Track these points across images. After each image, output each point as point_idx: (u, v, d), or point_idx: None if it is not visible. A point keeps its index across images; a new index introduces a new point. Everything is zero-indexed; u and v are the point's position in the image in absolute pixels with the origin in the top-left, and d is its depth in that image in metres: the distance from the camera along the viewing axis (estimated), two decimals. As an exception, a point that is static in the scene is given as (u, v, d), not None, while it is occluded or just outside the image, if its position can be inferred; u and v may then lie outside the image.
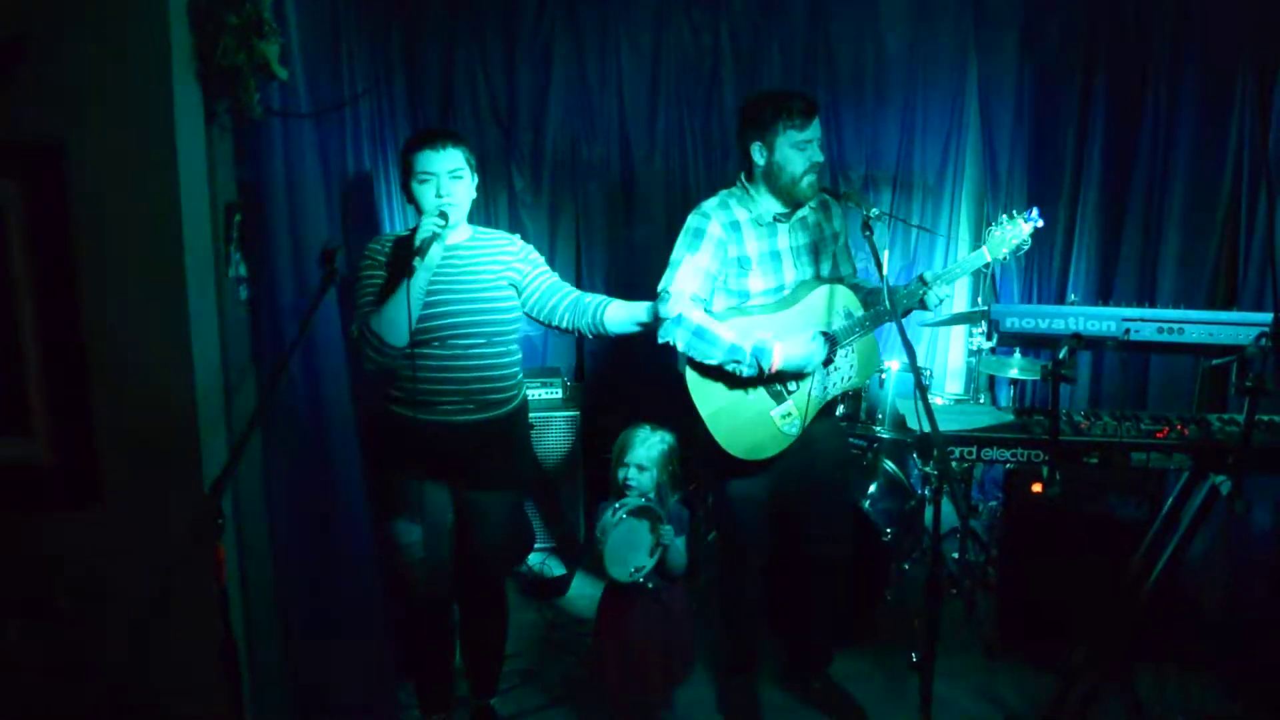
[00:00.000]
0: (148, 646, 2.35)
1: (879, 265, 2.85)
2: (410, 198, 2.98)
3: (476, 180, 3.07)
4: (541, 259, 3.19)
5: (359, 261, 2.99)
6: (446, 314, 2.92)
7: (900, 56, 5.16)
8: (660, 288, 3.14)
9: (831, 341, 3.16)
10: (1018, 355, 4.36)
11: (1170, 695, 3.42)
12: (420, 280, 2.81)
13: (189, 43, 2.24)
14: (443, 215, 2.85)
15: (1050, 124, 4.94)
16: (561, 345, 5.40)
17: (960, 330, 5.29)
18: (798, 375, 3.15)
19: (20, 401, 2.33)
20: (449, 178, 2.93)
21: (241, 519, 2.47)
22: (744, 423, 3.15)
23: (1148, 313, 2.82)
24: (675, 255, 3.17)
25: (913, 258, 5.28)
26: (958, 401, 4.72)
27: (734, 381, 3.13)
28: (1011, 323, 2.89)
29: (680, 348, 3.09)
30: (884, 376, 4.38)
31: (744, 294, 3.19)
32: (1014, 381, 4.74)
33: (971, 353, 4.53)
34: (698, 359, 3.08)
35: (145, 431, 2.32)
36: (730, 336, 3.04)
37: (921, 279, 3.14)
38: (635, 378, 5.45)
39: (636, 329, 3.18)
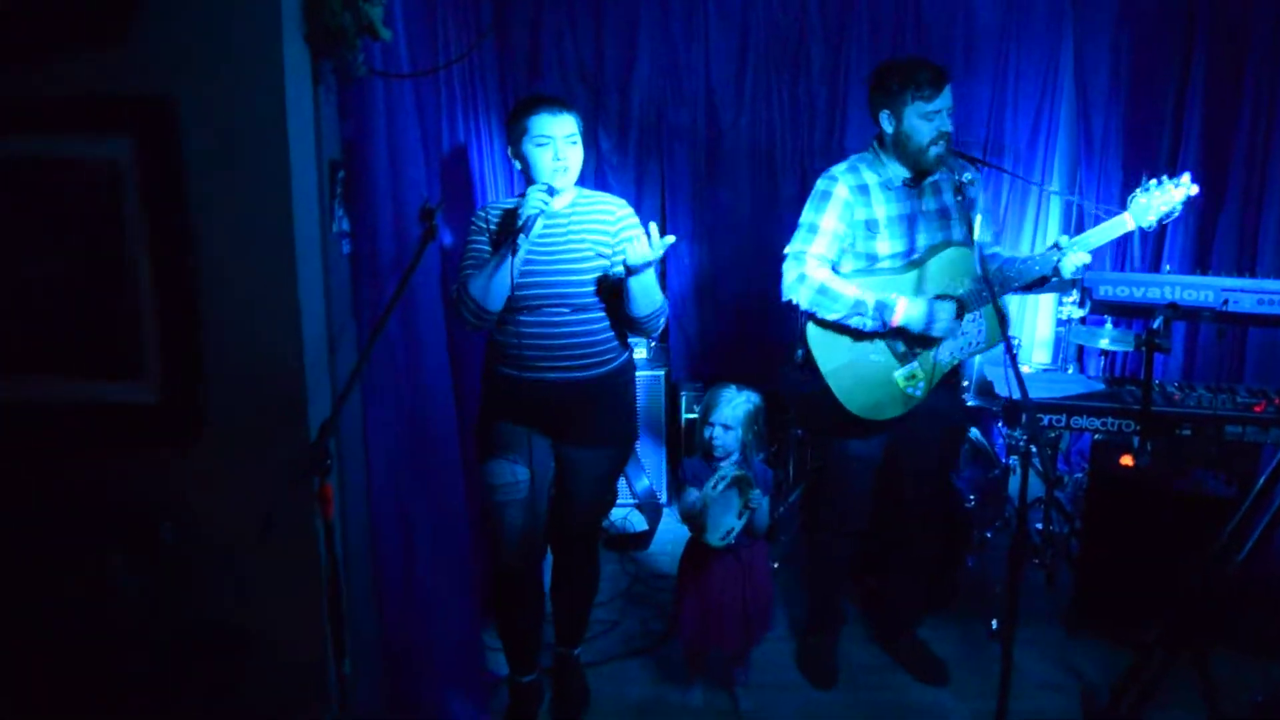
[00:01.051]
0: (251, 581, 2.45)
1: (969, 231, 2.83)
2: (522, 160, 2.95)
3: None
4: (638, 230, 3.03)
5: (467, 225, 3.02)
6: (535, 284, 2.92)
7: (992, 17, 5.08)
8: (786, 250, 3.22)
9: (959, 305, 3.16)
10: (1109, 326, 4.27)
11: (1246, 680, 3.36)
12: (522, 253, 2.83)
13: (297, 3, 2.30)
14: (549, 191, 2.84)
15: (1147, 88, 4.82)
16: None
17: (1049, 300, 5.21)
18: (922, 338, 3.17)
19: (134, 347, 2.43)
20: (566, 143, 2.91)
21: (343, 465, 2.55)
22: (865, 381, 3.20)
23: (1248, 283, 2.77)
24: (803, 218, 3.24)
25: (1001, 226, 5.21)
26: (1046, 371, 4.65)
27: (858, 339, 3.18)
28: (1106, 290, 2.86)
29: (804, 305, 3.16)
30: (1018, 344, 4.35)
31: (872, 256, 3.22)
32: (1104, 353, 4.66)
33: (1061, 322, 4.45)
34: (821, 315, 3.15)
35: (253, 377, 2.40)
36: (854, 293, 3.11)
37: (1057, 245, 3.09)
38: (719, 339, 5.49)
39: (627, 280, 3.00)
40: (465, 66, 4.30)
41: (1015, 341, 4.52)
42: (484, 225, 3.01)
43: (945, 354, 3.23)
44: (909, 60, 3.20)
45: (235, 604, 2.48)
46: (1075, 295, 4.05)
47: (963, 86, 5.11)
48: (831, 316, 3.13)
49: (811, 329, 3.22)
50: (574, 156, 2.95)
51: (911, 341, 3.18)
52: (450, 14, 3.60)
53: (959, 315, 3.18)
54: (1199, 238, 4.61)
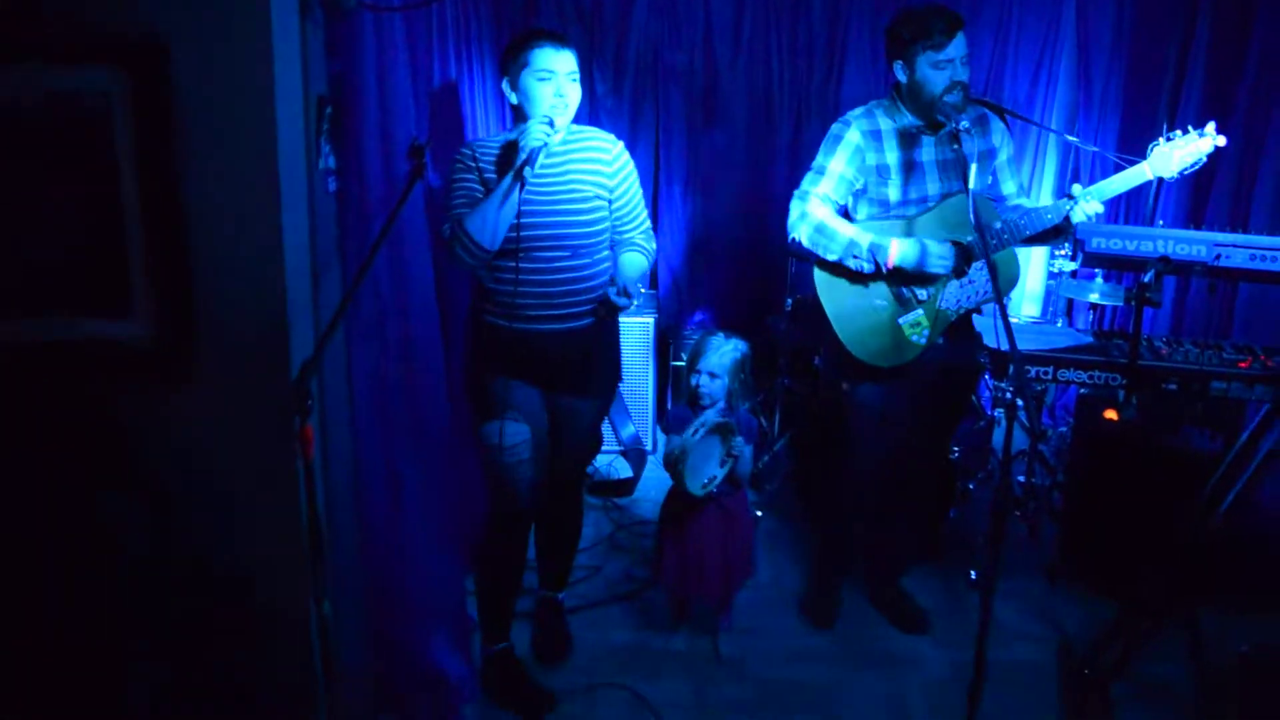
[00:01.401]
0: (235, 521, 2.45)
1: (965, 180, 2.80)
2: (520, 94, 2.85)
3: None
4: (633, 175, 3.07)
5: (451, 164, 2.91)
6: (534, 225, 2.84)
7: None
8: (797, 189, 3.26)
9: (964, 252, 3.16)
10: (1099, 280, 4.27)
11: (1232, 632, 3.40)
12: (520, 189, 2.75)
13: (285, -67, 2.26)
14: (549, 124, 2.75)
15: (1150, 40, 4.76)
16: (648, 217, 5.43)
17: (1040, 253, 5.19)
18: (922, 278, 3.17)
19: (124, 283, 2.41)
20: (567, 79, 2.82)
21: (325, 405, 2.55)
22: (870, 326, 3.22)
23: (1240, 238, 2.75)
24: (815, 160, 3.26)
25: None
26: (1035, 323, 4.65)
27: (860, 283, 3.20)
28: (1098, 243, 2.84)
29: (805, 243, 3.21)
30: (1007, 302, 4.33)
31: (884, 202, 3.24)
32: (1094, 307, 4.65)
33: (1052, 275, 4.44)
34: (819, 254, 3.19)
35: (238, 315, 2.39)
36: (850, 232, 3.14)
37: (1070, 194, 3.07)
38: (710, 285, 5.48)
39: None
40: (459, 3, 4.24)
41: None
42: (471, 163, 2.89)
43: (950, 301, 3.22)
44: (922, 9, 3.14)
45: (220, 544, 2.48)
46: (1067, 249, 4.04)
47: (966, 32, 5.05)
48: (829, 256, 3.18)
49: (818, 273, 3.25)
50: (574, 94, 2.86)
51: (912, 282, 3.19)
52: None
53: (965, 262, 3.18)
54: (1193, 193, 4.57)
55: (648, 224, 3.14)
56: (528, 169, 2.70)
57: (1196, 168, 2.95)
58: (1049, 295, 4.61)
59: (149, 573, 2.48)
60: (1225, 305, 4.35)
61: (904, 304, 3.22)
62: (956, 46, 3.07)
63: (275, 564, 2.48)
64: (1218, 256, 2.74)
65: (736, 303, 5.46)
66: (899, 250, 3.10)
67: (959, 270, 3.19)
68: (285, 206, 2.36)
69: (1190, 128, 2.94)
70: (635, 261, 3.04)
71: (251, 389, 2.40)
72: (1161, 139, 2.96)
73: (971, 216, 2.72)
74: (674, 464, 3.10)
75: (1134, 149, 4.72)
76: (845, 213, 3.30)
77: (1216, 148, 2.92)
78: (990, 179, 3.32)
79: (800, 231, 3.20)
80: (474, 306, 3.03)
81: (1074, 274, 4.30)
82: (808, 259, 3.28)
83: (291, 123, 2.38)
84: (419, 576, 2.94)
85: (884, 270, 3.13)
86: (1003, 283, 3.25)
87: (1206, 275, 2.78)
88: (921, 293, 3.20)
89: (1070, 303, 4.84)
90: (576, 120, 2.95)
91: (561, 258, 2.89)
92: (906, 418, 3.39)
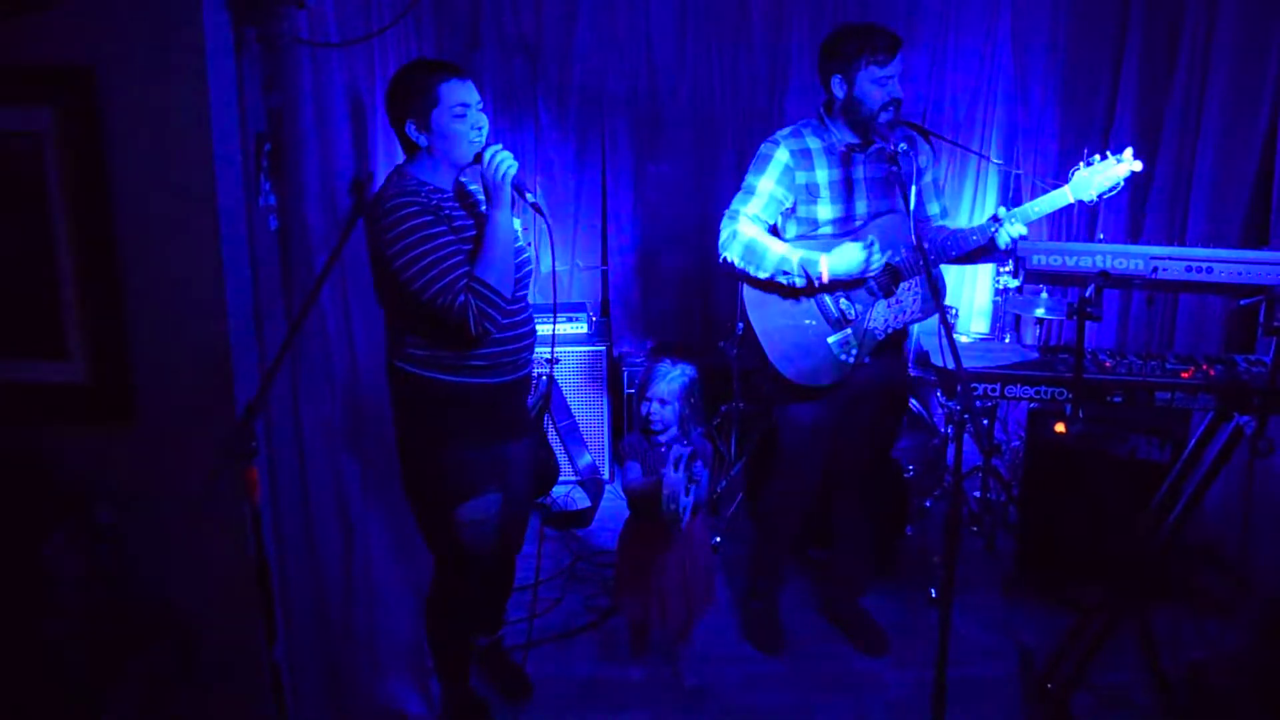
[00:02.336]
0: (183, 562, 2.42)
1: (905, 201, 2.84)
2: (435, 134, 2.59)
3: None
4: None
5: (399, 218, 2.52)
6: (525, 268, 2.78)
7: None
8: (727, 210, 3.28)
9: (893, 272, 3.20)
10: (1044, 295, 4.33)
11: (1185, 636, 3.44)
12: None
13: (218, -31, 2.24)
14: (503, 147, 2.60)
15: (1085, 55, 4.87)
16: (587, 281, 5.43)
17: (987, 270, 5.26)
18: (851, 284, 3.20)
19: (57, 325, 2.38)
20: (478, 109, 2.64)
21: (273, 441, 2.51)
22: (799, 345, 3.24)
23: (1176, 251, 2.79)
24: (745, 181, 3.29)
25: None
26: (983, 340, 4.70)
27: (789, 301, 3.23)
28: (1039, 260, 2.87)
29: (736, 263, 3.22)
30: (954, 314, 4.41)
31: (813, 221, 3.25)
32: (1040, 321, 4.72)
33: (998, 292, 4.50)
34: (751, 273, 3.20)
35: (178, 355, 2.37)
36: (780, 250, 3.16)
37: (995, 217, 3.11)
38: (661, 312, 5.48)
39: None
40: (401, 36, 4.21)
41: (953, 311, 4.55)
42: (433, 213, 2.57)
43: (878, 321, 3.25)
44: (863, 25, 3.20)
45: (167, 588, 2.44)
46: (1011, 266, 4.09)
47: (902, 56, 5.12)
48: (760, 274, 3.19)
49: (747, 291, 3.27)
50: (486, 124, 2.68)
51: (838, 288, 3.21)
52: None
53: (894, 282, 3.22)
54: (1131, 206, 4.66)
55: None
56: (530, 195, 2.58)
57: (1114, 191, 2.97)
58: (996, 311, 4.66)
59: (93, 617, 2.42)
60: (1168, 316, 4.43)
61: (832, 324, 3.24)
62: (897, 63, 3.12)
63: (226, 608, 2.44)
64: (1155, 270, 2.78)
65: (688, 328, 5.47)
66: (829, 263, 3.11)
67: (887, 290, 3.22)
68: (225, 244, 2.35)
69: (1109, 153, 2.99)
70: None
71: (195, 430, 2.37)
72: (1082, 163, 3.01)
73: (913, 237, 2.75)
74: (642, 495, 3.08)
75: (1074, 156, 4.84)
76: (775, 231, 3.31)
77: (1133, 172, 2.96)
78: (914, 199, 3.35)
79: (731, 251, 3.22)
80: (425, 375, 2.69)
81: (1019, 290, 4.36)
82: (739, 278, 3.29)
83: (229, 160, 2.37)
84: (375, 616, 2.90)
85: (816, 285, 3.15)
86: (929, 306, 3.31)
87: (1146, 288, 2.83)
88: (850, 312, 3.23)
89: (1018, 318, 4.90)
90: (524, 149, 2.95)
91: (524, 306, 2.83)
92: (840, 436, 3.42)
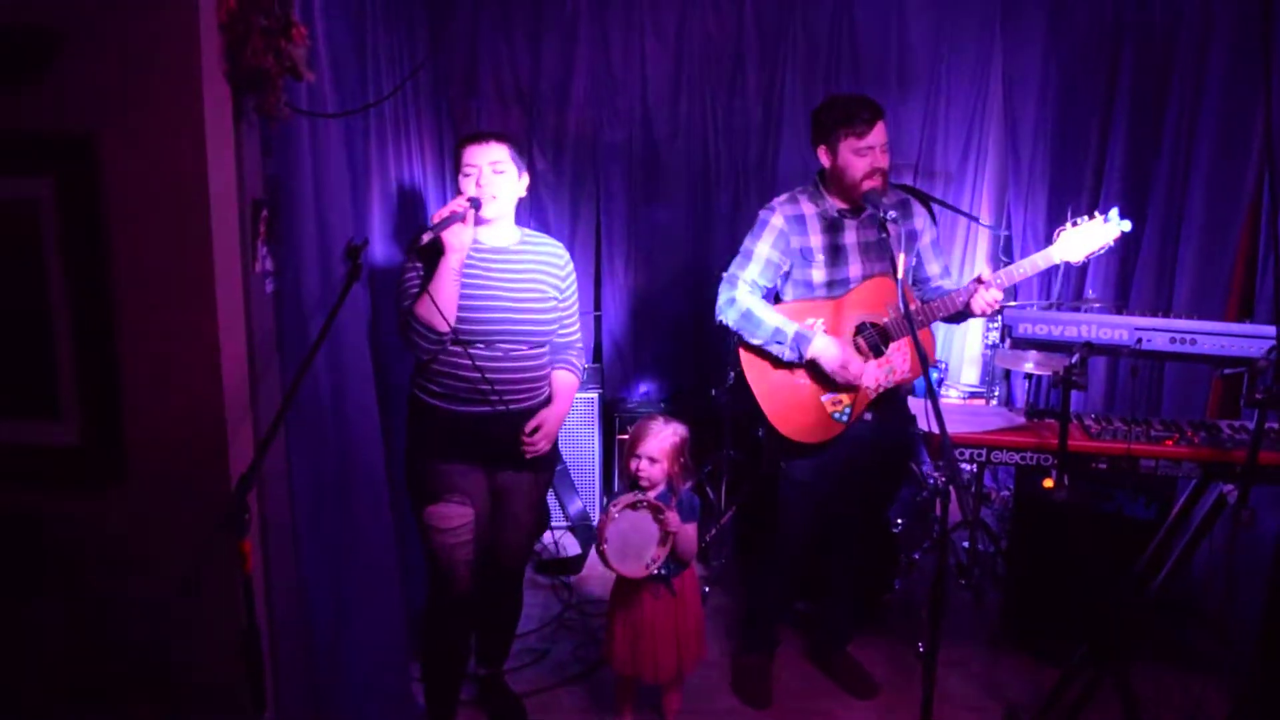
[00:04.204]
0: (173, 629, 2.42)
1: (894, 266, 2.88)
2: (462, 192, 3.02)
3: (525, 180, 3.08)
4: (575, 283, 3.25)
5: (403, 263, 3.01)
6: (497, 318, 2.95)
7: (925, 44, 5.18)
8: (724, 273, 3.41)
9: (883, 333, 3.29)
10: (1034, 350, 4.37)
11: (1167, 696, 3.46)
12: (453, 262, 2.83)
13: (218, 43, 2.27)
14: (470, 200, 2.89)
15: (1074, 115, 4.92)
16: (580, 326, 5.44)
17: (978, 323, 5.30)
18: (832, 377, 3.28)
19: (51, 387, 2.39)
20: (490, 170, 2.96)
21: (266, 507, 2.52)
22: (793, 404, 3.34)
23: (1160, 323, 2.83)
24: (743, 244, 3.41)
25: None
26: (972, 394, 4.74)
27: (784, 362, 3.31)
28: (1025, 329, 2.91)
29: (731, 326, 3.34)
30: (944, 368, 4.43)
31: (809, 284, 3.36)
32: (1028, 376, 4.76)
33: (988, 346, 4.54)
34: (746, 339, 3.32)
35: (172, 420, 2.37)
36: (776, 320, 3.26)
37: (979, 279, 3.16)
38: (654, 359, 5.51)
39: None
40: (398, 96, 4.26)
41: (942, 365, 4.59)
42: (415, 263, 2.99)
43: (870, 380, 3.31)
44: (845, 98, 3.29)
45: (158, 654, 2.44)
46: (999, 322, 4.14)
47: (895, 110, 5.20)
48: (755, 341, 3.30)
49: (743, 352, 3.37)
50: (501, 184, 2.99)
51: (821, 371, 3.29)
52: (381, 45, 3.58)
53: (884, 342, 3.29)
54: (1120, 266, 4.70)
55: (580, 335, 3.29)
56: (434, 230, 2.78)
57: (1102, 252, 3.06)
58: (986, 364, 4.71)
59: (89, 680, 2.43)
60: (1155, 379, 4.46)
61: (825, 383, 3.30)
62: (877, 134, 3.21)
63: (216, 673, 2.44)
64: (1139, 340, 2.81)
65: (680, 374, 5.50)
66: (819, 348, 3.24)
67: (877, 350, 3.30)
68: (221, 310, 2.36)
69: (1096, 213, 3.05)
70: (569, 387, 3.20)
71: (190, 495, 2.38)
72: (1068, 224, 3.07)
73: (901, 304, 2.79)
74: (596, 548, 3.14)
75: (1063, 217, 4.86)
76: (776, 294, 3.41)
77: (1123, 233, 3.03)
78: (914, 260, 3.44)
79: (727, 316, 3.34)
80: (414, 390, 3.07)
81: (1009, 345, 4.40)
82: (735, 338, 3.39)
83: (226, 227, 2.38)
84: (366, 681, 2.91)
85: (803, 361, 3.27)
86: (919, 366, 3.35)
87: (1131, 357, 2.87)
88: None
89: (1008, 371, 4.95)
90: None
91: (519, 350, 3.01)
92: (837, 492, 3.47)
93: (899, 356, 3.33)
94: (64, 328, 2.37)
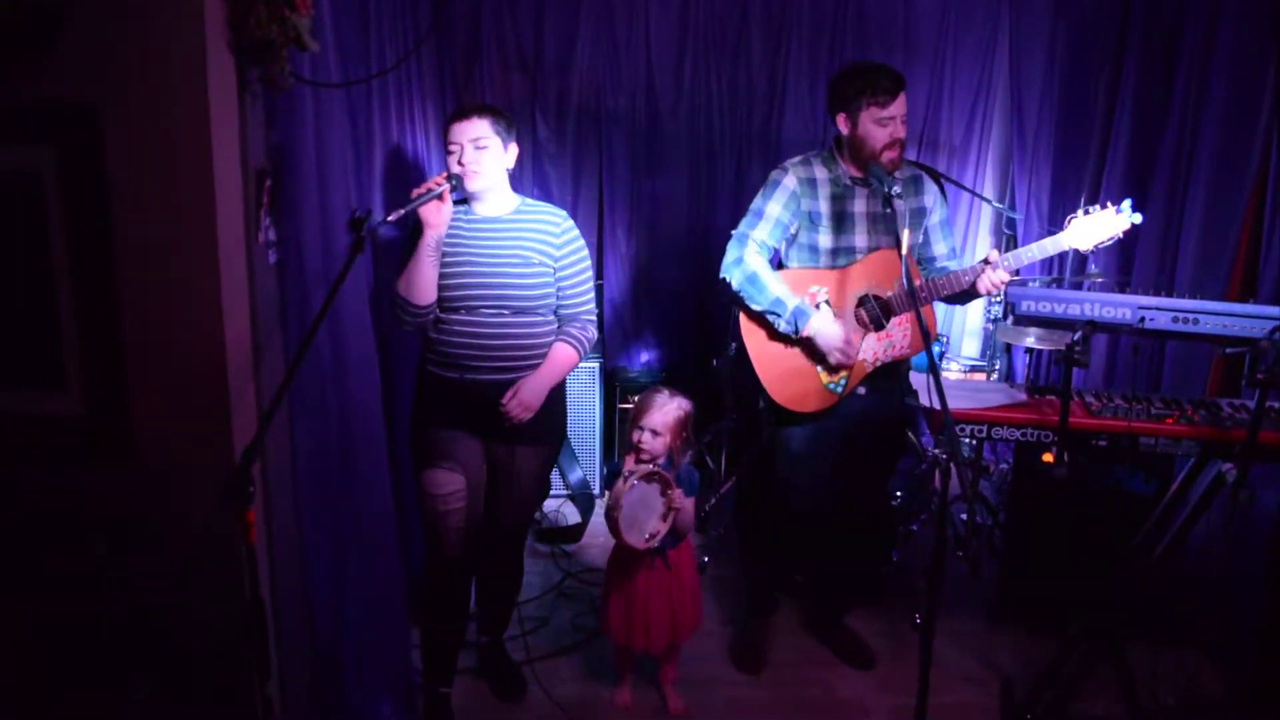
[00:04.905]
0: (178, 600, 2.43)
1: (899, 243, 2.87)
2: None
3: (513, 151, 3.08)
4: (581, 252, 3.17)
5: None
6: (473, 284, 2.97)
7: (931, 14, 5.12)
8: (734, 230, 3.38)
9: (885, 307, 3.28)
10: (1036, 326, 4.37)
11: (1163, 670, 3.49)
12: (429, 239, 2.87)
13: (222, 13, 2.26)
14: (449, 177, 2.89)
15: (1080, 86, 4.89)
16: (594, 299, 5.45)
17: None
18: (827, 356, 3.27)
19: (55, 358, 2.39)
20: (471, 147, 2.97)
21: (269, 478, 2.54)
22: (789, 372, 3.33)
23: (1164, 301, 2.84)
24: (753, 203, 3.38)
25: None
26: (973, 368, 4.74)
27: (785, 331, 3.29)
28: (1028, 306, 2.92)
29: (734, 286, 3.30)
30: (946, 341, 4.42)
31: (814, 249, 3.34)
32: (1029, 350, 4.76)
33: (989, 320, 4.54)
34: (746, 301, 3.29)
35: (176, 389, 2.37)
36: (779, 290, 3.23)
37: (987, 260, 3.15)
38: (656, 328, 5.51)
39: None
40: (401, 54, 4.22)
41: (944, 339, 4.59)
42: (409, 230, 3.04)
43: (868, 354, 3.32)
44: (868, 65, 3.27)
45: (163, 622, 2.46)
46: (1002, 297, 4.13)
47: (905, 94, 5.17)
48: (755, 306, 3.28)
49: (743, 316, 3.35)
50: (483, 160, 3.00)
51: (816, 347, 3.28)
52: (385, 13, 3.54)
53: (886, 317, 3.27)
54: (1121, 248, 4.68)
55: (592, 308, 3.22)
56: (407, 208, 2.78)
57: (1110, 243, 3.04)
58: (987, 338, 4.71)
59: (96, 648, 2.45)
60: (1156, 356, 4.45)
61: (820, 355, 3.30)
62: (899, 105, 3.18)
63: (221, 643, 2.45)
64: (1142, 319, 2.82)
65: (682, 344, 5.51)
66: (817, 326, 3.22)
67: (878, 324, 3.28)
68: (224, 280, 2.35)
69: (1109, 203, 3.04)
70: (561, 358, 3.14)
71: (195, 464, 2.39)
72: (1080, 211, 3.06)
73: (905, 280, 2.79)
74: (608, 514, 3.13)
75: (1067, 190, 4.86)
76: (778, 259, 3.39)
77: (1133, 224, 3.01)
78: (921, 238, 3.42)
79: (733, 275, 3.30)
80: (421, 357, 3.13)
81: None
82: (735, 301, 3.37)
83: (230, 195, 2.37)
84: (367, 647, 2.94)
85: (799, 335, 3.24)
86: (919, 343, 3.36)
87: (1133, 335, 2.88)
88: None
89: (1009, 345, 4.95)
90: (522, 165, 3.08)
91: (502, 316, 3.01)
92: (833, 462, 3.48)
93: (899, 331, 3.32)
94: (67, 298, 2.37)
